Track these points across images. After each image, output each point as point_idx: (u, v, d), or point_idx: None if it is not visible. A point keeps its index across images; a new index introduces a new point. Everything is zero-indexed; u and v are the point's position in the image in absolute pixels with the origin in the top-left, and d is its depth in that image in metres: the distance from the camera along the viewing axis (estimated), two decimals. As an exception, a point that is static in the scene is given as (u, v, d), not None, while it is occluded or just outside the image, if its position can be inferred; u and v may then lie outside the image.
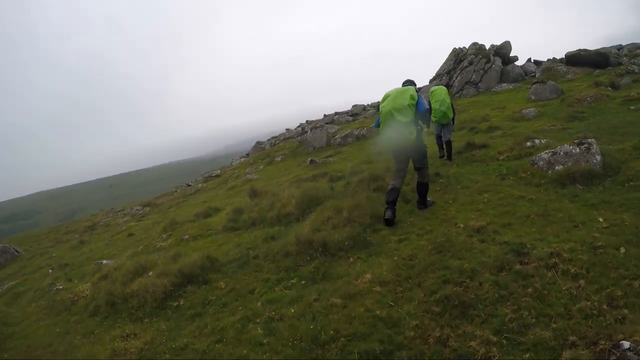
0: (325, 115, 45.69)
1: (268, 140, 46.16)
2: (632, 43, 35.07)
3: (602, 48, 31.49)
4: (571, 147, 8.59)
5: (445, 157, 11.61)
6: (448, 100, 11.02)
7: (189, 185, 35.80)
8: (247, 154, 44.31)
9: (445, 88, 11.26)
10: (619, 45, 35.06)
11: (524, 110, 17.95)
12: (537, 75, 30.60)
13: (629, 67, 26.34)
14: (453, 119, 11.55)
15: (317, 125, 28.83)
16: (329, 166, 17.69)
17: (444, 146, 11.64)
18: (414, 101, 6.63)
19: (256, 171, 27.12)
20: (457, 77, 32.92)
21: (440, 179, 9.77)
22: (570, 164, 8.23)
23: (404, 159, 7.09)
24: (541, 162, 8.80)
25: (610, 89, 20.96)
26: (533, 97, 21.53)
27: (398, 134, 6.63)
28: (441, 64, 36.33)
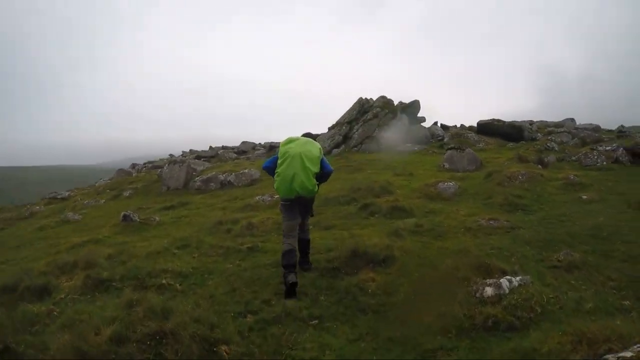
0: (210, 148, 38.69)
1: (143, 164, 38.30)
2: (541, 121, 31.95)
3: (515, 121, 27.57)
4: None
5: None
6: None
7: (55, 198, 26.70)
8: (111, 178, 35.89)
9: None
10: (530, 120, 31.65)
11: (440, 185, 12.13)
12: (445, 140, 25.87)
13: (547, 144, 22.20)
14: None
15: (178, 159, 21.57)
16: (146, 232, 10.67)
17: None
18: (321, 155, 6.19)
19: (90, 206, 19.98)
20: (358, 130, 27.35)
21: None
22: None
23: (296, 212, 6.25)
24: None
25: (539, 166, 16.07)
26: (447, 166, 16.03)
27: (304, 181, 5.87)
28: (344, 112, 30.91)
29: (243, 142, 37.16)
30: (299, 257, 6.35)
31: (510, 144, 24.27)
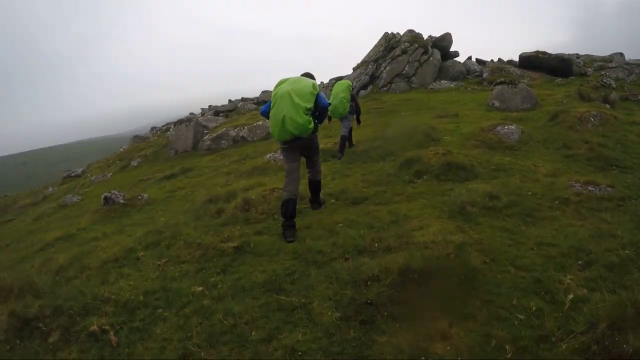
0: (230, 101, 35.55)
1: (161, 127, 35.93)
2: (587, 55, 28.18)
3: (562, 53, 24.00)
4: None
5: (339, 157, 9.62)
6: (342, 95, 9.37)
7: (69, 177, 24.83)
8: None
9: (348, 82, 9.79)
10: (576, 54, 27.85)
11: (499, 128, 9.39)
12: (484, 76, 22.65)
13: (603, 80, 18.93)
14: (357, 114, 9.97)
15: (185, 118, 19.16)
16: (127, 218, 8.42)
17: (340, 141, 9.86)
18: (316, 91, 5.49)
19: (97, 182, 18.22)
20: (386, 67, 24.25)
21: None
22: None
23: (296, 154, 5.75)
24: None
25: (607, 106, 13.21)
26: (497, 104, 13.20)
27: (294, 118, 5.24)
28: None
29: (263, 92, 34.04)
30: (308, 197, 6.26)
31: (559, 80, 21.02)
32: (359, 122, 10.21)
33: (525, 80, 20.96)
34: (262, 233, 5.41)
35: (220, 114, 27.62)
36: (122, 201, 9.18)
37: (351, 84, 10.01)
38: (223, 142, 16.52)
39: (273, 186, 6.98)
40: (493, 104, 13.23)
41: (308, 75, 6.13)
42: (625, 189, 6.13)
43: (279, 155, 10.08)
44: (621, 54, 28.72)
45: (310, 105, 5.39)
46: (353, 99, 9.74)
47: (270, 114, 5.51)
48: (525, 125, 10.36)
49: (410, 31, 27.60)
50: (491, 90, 13.98)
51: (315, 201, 6.32)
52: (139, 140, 30.31)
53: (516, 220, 4.97)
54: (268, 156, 10.58)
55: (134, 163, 19.25)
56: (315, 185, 6.16)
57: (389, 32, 27.28)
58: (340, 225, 5.25)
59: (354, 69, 26.86)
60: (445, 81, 22.85)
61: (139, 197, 9.51)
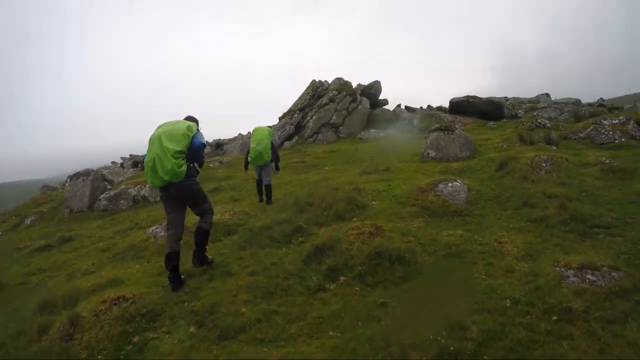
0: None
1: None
2: (515, 97, 27.87)
3: (493, 97, 23.21)
4: None
5: (264, 202, 9.41)
6: (267, 141, 9.18)
7: None
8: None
9: (268, 128, 9.48)
10: (504, 97, 27.38)
11: (441, 186, 7.26)
12: (415, 123, 21.24)
13: (537, 121, 17.83)
14: (276, 161, 9.82)
15: (82, 172, 16.01)
16: None
17: (264, 190, 9.58)
18: (191, 133, 5.14)
19: None
20: (312, 117, 22.41)
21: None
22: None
23: (175, 203, 5.24)
24: None
25: (553, 147, 11.74)
26: (433, 154, 11.26)
27: (163, 162, 4.89)
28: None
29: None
30: (194, 250, 5.53)
31: (491, 123, 20.01)
32: (277, 168, 9.96)
33: (457, 125, 19.72)
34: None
35: (140, 165, 24.44)
36: None
37: (272, 130, 9.61)
38: (122, 202, 13.63)
39: (130, 291, 4.46)
40: (428, 153, 11.31)
41: (189, 118, 5.69)
42: (628, 266, 4.08)
43: (161, 231, 7.57)
44: (547, 94, 28.73)
45: (180, 147, 5.01)
46: (272, 146, 9.40)
47: (145, 161, 5.15)
48: (470, 178, 8.45)
49: (339, 79, 26.25)
50: (425, 138, 12.13)
51: (198, 256, 5.54)
52: (48, 190, 26.31)
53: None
54: (150, 230, 7.95)
55: (28, 221, 15.98)
56: (200, 236, 5.48)
57: (317, 80, 25.74)
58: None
59: (280, 119, 24.91)
60: (374, 130, 21.25)
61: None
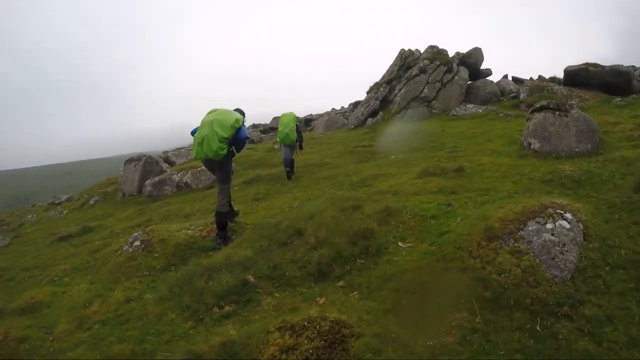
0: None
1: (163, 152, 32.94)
2: (643, 65, 22.39)
3: (620, 65, 18.65)
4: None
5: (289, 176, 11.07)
6: (292, 125, 10.66)
7: (53, 204, 22.23)
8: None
9: (293, 113, 11.01)
10: (632, 66, 22.07)
11: (531, 229, 4.06)
12: (522, 97, 17.73)
13: (684, 96, 13.68)
14: (300, 141, 11.18)
15: (135, 157, 15.69)
16: None
17: (290, 164, 11.17)
18: (238, 125, 6.11)
19: (49, 220, 15.84)
20: (400, 90, 19.82)
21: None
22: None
23: (213, 173, 6.64)
24: None
25: None
26: (536, 145, 8.40)
27: (210, 143, 5.93)
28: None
29: (274, 118, 30.24)
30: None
31: (617, 99, 15.79)
32: (301, 147, 11.34)
33: (574, 102, 15.94)
34: None
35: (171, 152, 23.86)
36: None
37: (295, 116, 10.95)
38: (166, 187, 13.33)
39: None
40: (529, 144, 8.44)
41: (239, 110, 6.84)
42: None
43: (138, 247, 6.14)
44: (689, 64, 22.83)
45: (227, 135, 5.97)
46: (297, 128, 10.84)
47: (195, 136, 6.21)
48: (590, 202, 5.12)
49: (432, 47, 23.10)
50: (527, 120, 9.21)
51: (219, 235, 6.21)
52: (130, 165, 27.03)
53: None
54: (129, 244, 6.45)
55: (92, 201, 16.53)
56: (218, 218, 6.23)
57: (405, 49, 22.85)
58: None
59: (367, 92, 22.55)
60: (472, 105, 18.21)
61: None
